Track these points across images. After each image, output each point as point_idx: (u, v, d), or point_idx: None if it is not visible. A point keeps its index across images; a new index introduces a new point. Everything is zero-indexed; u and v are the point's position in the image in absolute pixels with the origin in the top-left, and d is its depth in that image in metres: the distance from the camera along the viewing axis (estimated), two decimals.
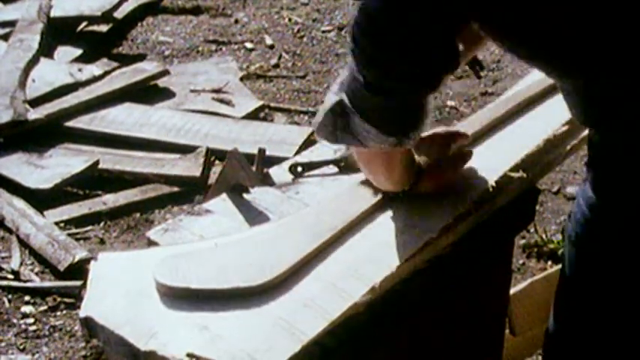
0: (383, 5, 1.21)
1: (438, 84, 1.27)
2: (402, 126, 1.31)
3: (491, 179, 1.61)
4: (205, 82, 3.93)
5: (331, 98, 1.33)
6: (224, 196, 1.67)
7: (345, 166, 1.70)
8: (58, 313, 2.72)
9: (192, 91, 3.86)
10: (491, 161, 1.67)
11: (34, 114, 3.48)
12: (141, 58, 4.23)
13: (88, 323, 1.33)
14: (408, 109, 1.31)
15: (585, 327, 1.43)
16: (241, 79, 4.03)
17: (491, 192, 1.59)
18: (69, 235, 2.98)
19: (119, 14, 4.45)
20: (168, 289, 1.35)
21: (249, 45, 4.40)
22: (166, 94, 3.85)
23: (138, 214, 3.16)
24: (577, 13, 1.18)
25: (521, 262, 2.89)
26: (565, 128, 1.80)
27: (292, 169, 1.74)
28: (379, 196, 1.54)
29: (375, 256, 1.43)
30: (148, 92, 3.82)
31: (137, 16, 4.60)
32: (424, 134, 1.43)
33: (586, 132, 1.81)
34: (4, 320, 2.69)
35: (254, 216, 1.60)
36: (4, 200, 3.13)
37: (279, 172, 1.74)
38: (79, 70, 3.87)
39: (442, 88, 1.29)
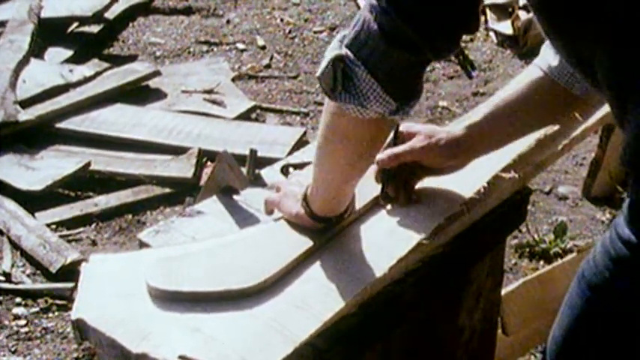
0: None
1: (454, 42, 1.26)
2: (406, 90, 1.28)
3: (483, 180, 1.61)
4: (197, 82, 3.93)
5: (333, 51, 1.30)
6: (215, 197, 1.66)
7: None
8: (50, 315, 2.71)
9: (183, 91, 3.85)
10: (483, 162, 1.67)
11: (24, 115, 3.46)
12: (132, 58, 4.22)
13: (80, 325, 1.33)
14: (415, 73, 1.29)
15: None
16: (233, 79, 4.02)
17: (483, 192, 1.59)
18: (60, 236, 2.97)
19: (110, 15, 4.44)
20: (161, 292, 1.34)
21: (240, 46, 4.39)
22: (158, 95, 3.84)
23: (130, 216, 3.15)
24: None
25: (513, 262, 2.89)
26: (557, 128, 1.80)
27: (284, 170, 1.74)
28: (371, 198, 1.54)
29: (367, 256, 1.43)
30: (139, 93, 3.81)
31: (128, 16, 4.59)
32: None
33: (578, 132, 1.82)
34: None
35: (245, 217, 1.60)
36: None
37: (270, 173, 1.74)
38: (70, 70, 3.86)
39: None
